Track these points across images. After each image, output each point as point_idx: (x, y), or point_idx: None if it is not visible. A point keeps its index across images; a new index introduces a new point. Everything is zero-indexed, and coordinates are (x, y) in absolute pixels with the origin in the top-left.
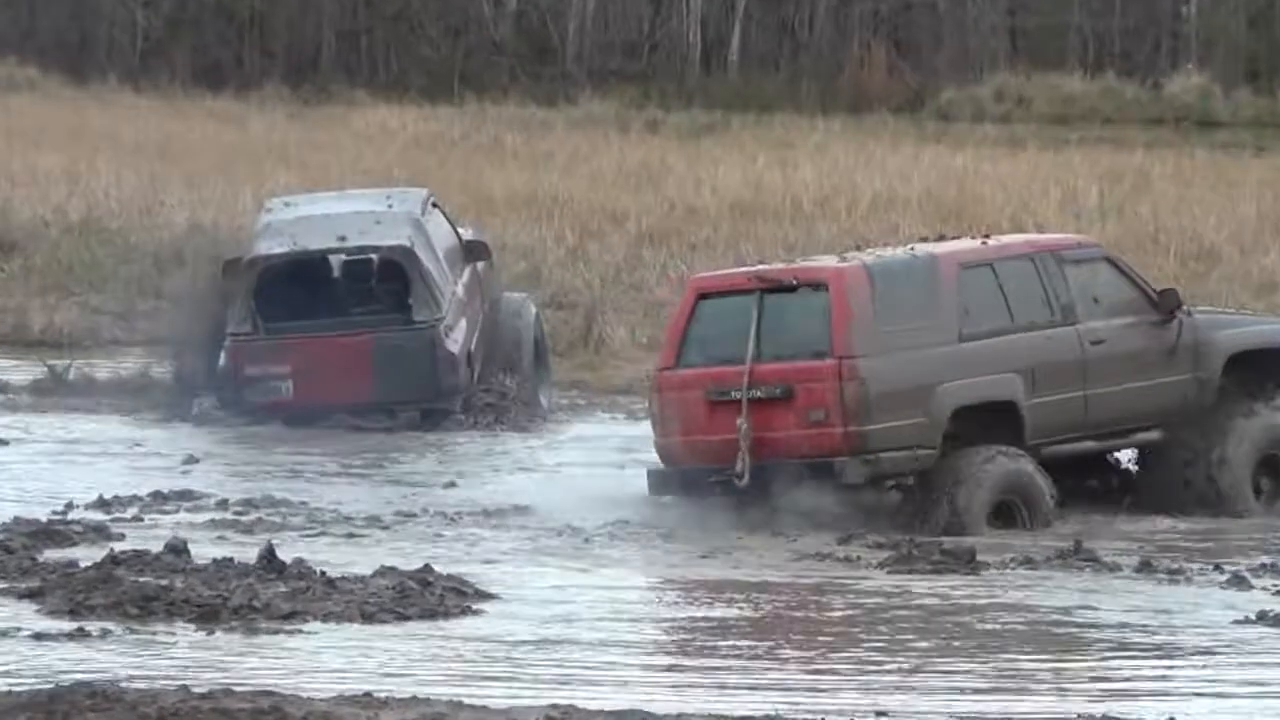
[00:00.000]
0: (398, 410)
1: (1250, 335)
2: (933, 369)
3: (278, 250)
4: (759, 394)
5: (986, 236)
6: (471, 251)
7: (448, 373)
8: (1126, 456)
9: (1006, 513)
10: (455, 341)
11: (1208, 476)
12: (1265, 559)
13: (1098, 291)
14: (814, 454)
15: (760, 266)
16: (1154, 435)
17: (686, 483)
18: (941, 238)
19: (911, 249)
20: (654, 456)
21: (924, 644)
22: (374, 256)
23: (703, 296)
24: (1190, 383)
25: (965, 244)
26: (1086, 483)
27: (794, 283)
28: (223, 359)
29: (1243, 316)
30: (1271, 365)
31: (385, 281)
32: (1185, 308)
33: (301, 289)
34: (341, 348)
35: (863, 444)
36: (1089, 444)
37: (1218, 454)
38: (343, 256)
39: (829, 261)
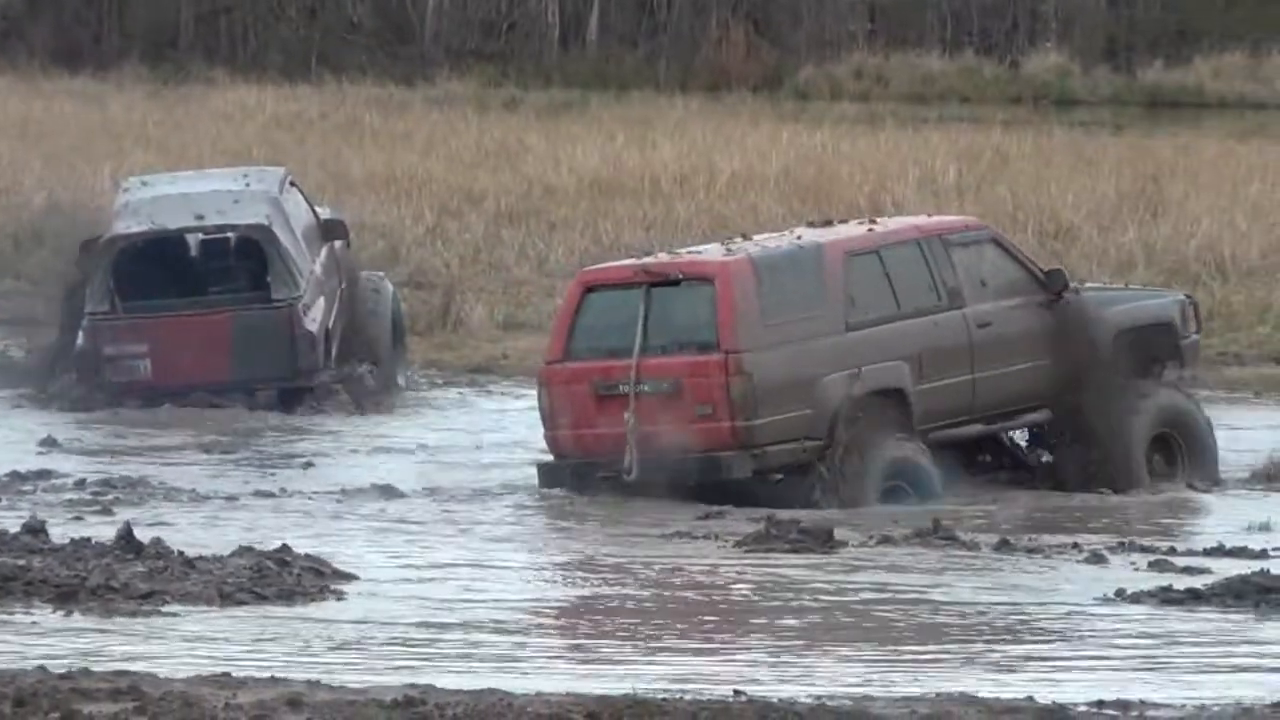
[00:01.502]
0: (256, 389)
1: (1137, 311)
2: (820, 360)
3: (135, 229)
4: (646, 388)
5: (873, 221)
6: (329, 231)
7: (306, 351)
8: (1020, 436)
9: (896, 495)
10: (314, 320)
11: (1102, 454)
12: (1124, 537)
13: (984, 273)
14: (702, 448)
15: (647, 259)
16: (1042, 416)
17: (577, 476)
18: (828, 223)
19: (798, 236)
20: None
21: (784, 623)
22: (232, 235)
23: (589, 289)
24: (1079, 362)
25: (851, 230)
26: (979, 459)
27: (680, 277)
28: (81, 339)
29: (1130, 292)
30: (1160, 340)
31: (243, 260)
32: (1073, 286)
33: (160, 268)
34: (199, 326)
35: (750, 438)
36: (977, 427)
37: (1112, 431)
38: (200, 235)
39: (715, 254)
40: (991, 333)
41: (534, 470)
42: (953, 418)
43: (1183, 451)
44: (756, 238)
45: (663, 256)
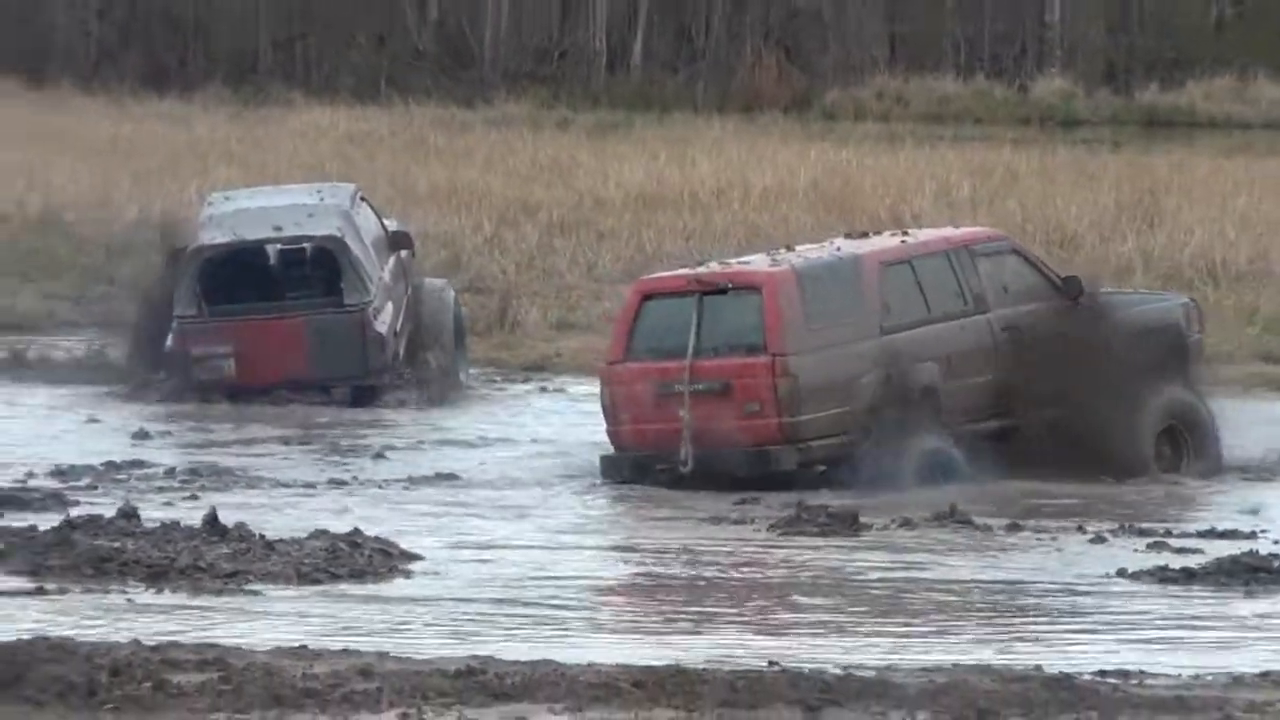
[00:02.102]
0: (331, 387)
1: (1148, 314)
2: (858, 362)
3: (219, 240)
4: (700, 388)
5: (905, 233)
6: (396, 241)
7: (376, 352)
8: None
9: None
10: (383, 323)
11: (1113, 445)
12: (1125, 521)
13: (1007, 280)
14: (751, 443)
15: (699, 270)
16: (1061, 412)
17: (636, 467)
18: (863, 234)
19: (836, 247)
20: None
21: (813, 600)
22: (307, 245)
23: (647, 297)
24: (1095, 361)
25: (885, 241)
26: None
27: (729, 286)
28: (170, 340)
29: (1139, 295)
30: (1167, 340)
31: (318, 269)
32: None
33: (242, 276)
34: (279, 329)
35: (795, 433)
36: (1000, 422)
37: (1124, 424)
38: (278, 246)
39: (761, 264)
40: (1014, 335)
41: (586, 461)
42: (978, 413)
43: (1188, 444)
44: (798, 249)
45: (714, 267)
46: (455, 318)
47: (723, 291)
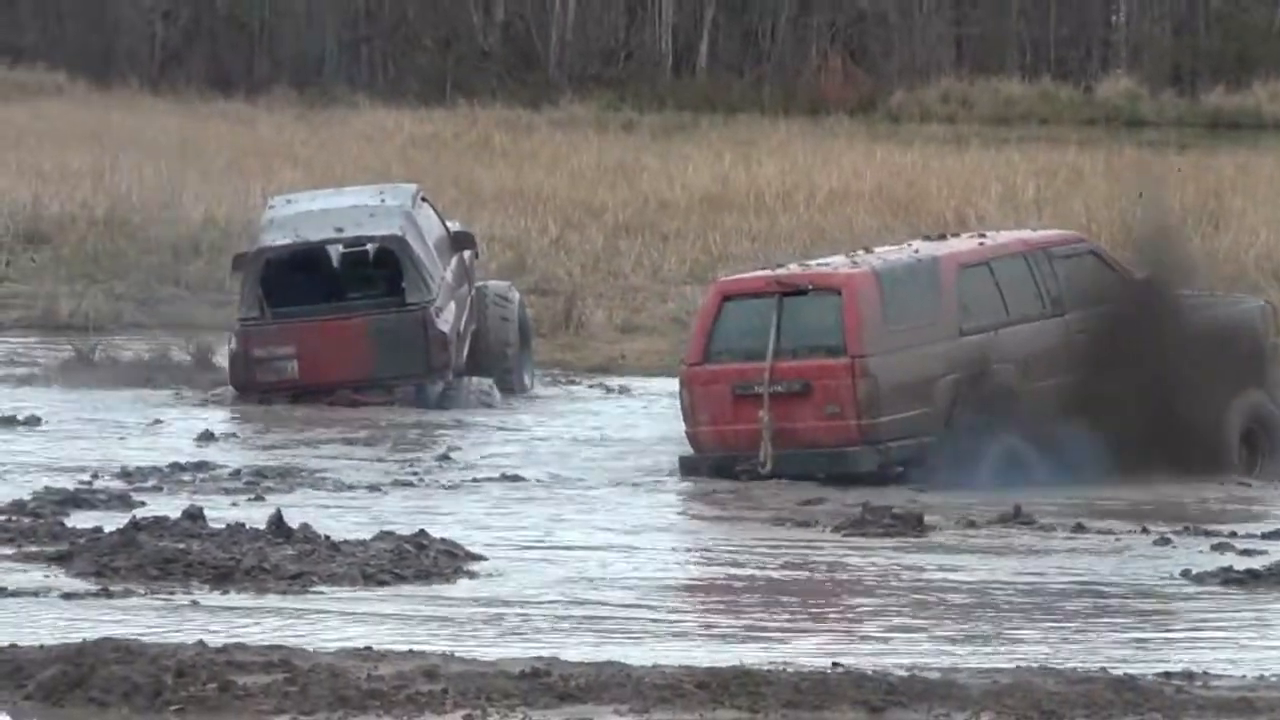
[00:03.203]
0: (394, 386)
1: (1227, 316)
2: (936, 363)
3: (281, 241)
4: (779, 389)
5: (983, 235)
6: (459, 241)
7: (439, 350)
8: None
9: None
10: (445, 322)
11: (1204, 446)
12: (1188, 523)
13: (1086, 283)
14: (830, 444)
15: (779, 271)
16: (1143, 414)
17: (715, 468)
18: (941, 236)
19: (915, 249)
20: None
21: (878, 601)
22: (369, 246)
23: (726, 298)
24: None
25: (963, 243)
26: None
27: (810, 287)
28: (233, 342)
29: (1216, 297)
30: (1246, 342)
31: (380, 269)
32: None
33: (304, 277)
34: (341, 329)
35: (874, 434)
36: (1082, 423)
37: (1213, 425)
38: (340, 247)
39: (841, 266)
40: (1091, 337)
41: (650, 462)
42: (1056, 415)
43: (1264, 447)
44: (877, 250)
45: (793, 268)
46: (520, 320)
47: (803, 293)
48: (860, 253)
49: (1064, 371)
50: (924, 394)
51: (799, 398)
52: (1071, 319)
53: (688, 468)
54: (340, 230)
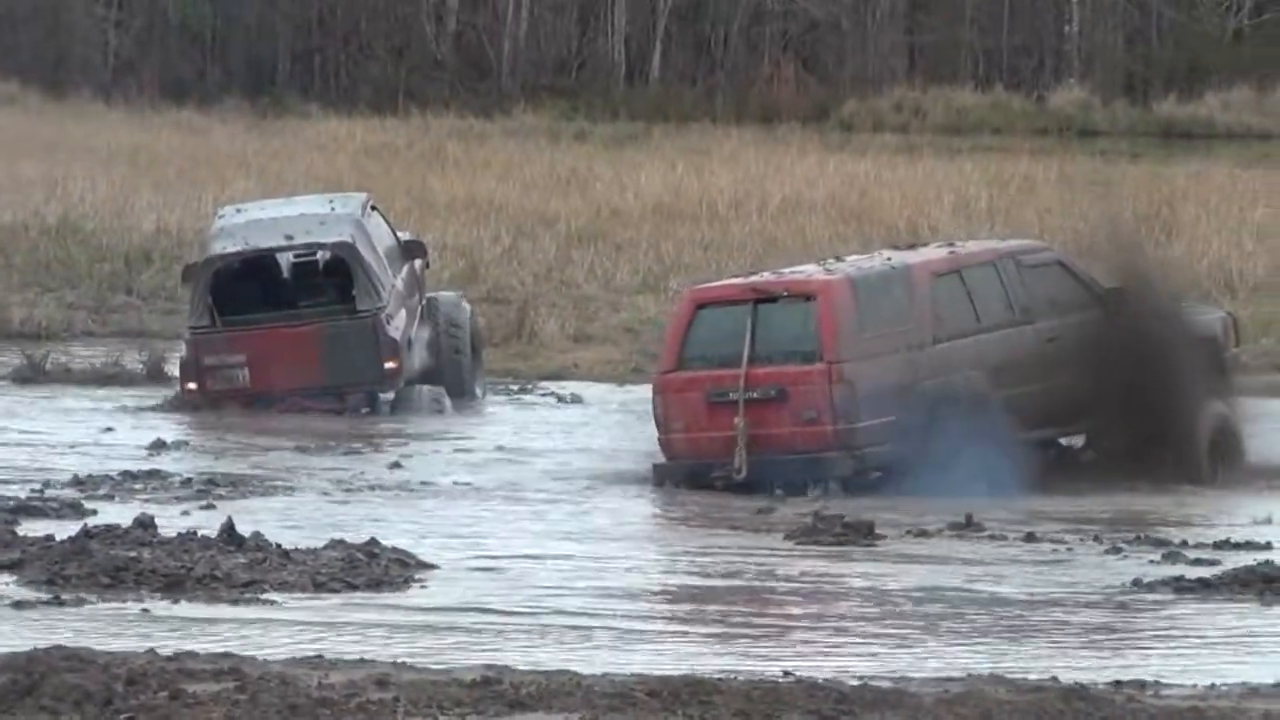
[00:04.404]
0: (345, 393)
1: (1187, 328)
2: (911, 370)
3: (230, 249)
4: (754, 395)
5: (953, 244)
6: (409, 250)
7: (390, 357)
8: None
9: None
10: (396, 329)
11: (1175, 454)
12: (1140, 531)
13: (1052, 292)
14: (806, 450)
15: (753, 278)
16: (1105, 422)
17: (689, 475)
18: (911, 246)
19: (887, 258)
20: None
21: (829, 609)
22: (320, 254)
23: (700, 306)
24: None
25: (934, 252)
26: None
27: (785, 294)
28: (183, 351)
29: (1182, 308)
30: (1208, 353)
31: (331, 277)
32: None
33: (254, 285)
34: (292, 337)
35: (851, 440)
36: (1050, 430)
37: (1184, 432)
38: (290, 255)
39: (815, 273)
40: (1060, 345)
41: (601, 470)
42: (1028, 422)
43: (1223, 457)
44: (849, 259)
45: (767, 275)
46: (471, 330)
47: (777, 300)
48: (832, 261)
49: (1035, 379)
50: (898, 400)
51: (774, 404)
52: (1041, 327)
53: (660, 475)
54: (290, 238)
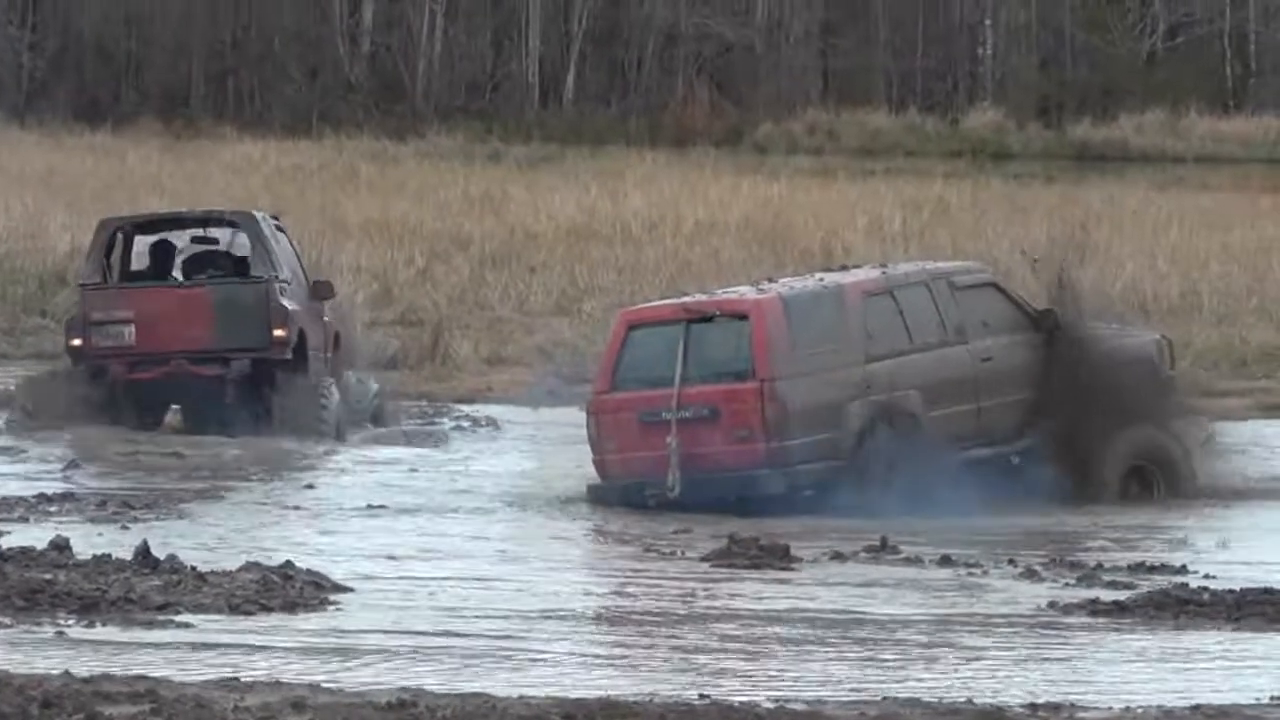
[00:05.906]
0: (230, 358)
1: (1122, 348)
2: (843, 388)
3: (126, 214)
4: (687, 414)
5: (884, 266)
6: (317, 290)
7: (280, 325)
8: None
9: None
10: (290, 302)
11: (1084, 474)
12: (1056, 554)
13: (985, 313)
14: (739, 468)
15: (686, 299)
16: (1037, 441)
17: (623, 495)
18: (844, 268)
19: (820, 278)
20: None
21: (743, 632)
22: (221, 232)
23: (633, 327)
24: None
25: (867, 273)
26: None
27: (717, 314)
28: (74, 309)
29: (1113, 330)
30: (1142, 375)
31: (229, 261)
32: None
33: (151, 260)
34: (182, 297)
35: (784, 458)
36: (983, 450)
37: (1094, 453)
38: (190, 228)
39: (748, 293)
40: (993, 366)
41: (516, 491)
42: (959, 441)
43: (1159, 483)
44: (782, 280)
45: (700, 296)
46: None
47: (710, 319)
48: (765, 282)
49: (967, 399)
50: (831, 418)
51: (707, 423)
52: (974, 347)
53: (595, 496)
54: (191, 210)
